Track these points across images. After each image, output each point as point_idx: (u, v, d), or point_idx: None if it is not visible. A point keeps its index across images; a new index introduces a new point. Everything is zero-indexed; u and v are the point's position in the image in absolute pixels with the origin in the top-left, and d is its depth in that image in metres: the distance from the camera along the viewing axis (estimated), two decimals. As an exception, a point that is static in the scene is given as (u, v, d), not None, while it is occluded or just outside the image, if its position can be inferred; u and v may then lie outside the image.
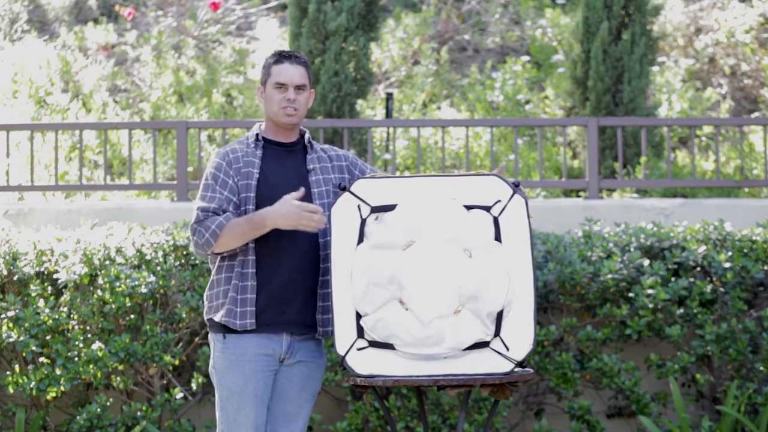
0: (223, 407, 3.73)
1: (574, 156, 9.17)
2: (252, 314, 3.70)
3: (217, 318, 3.74)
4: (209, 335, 3.83)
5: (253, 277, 3.71)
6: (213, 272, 3.82)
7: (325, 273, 3.78)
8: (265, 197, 3.72)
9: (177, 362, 5.72)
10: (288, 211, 3.63)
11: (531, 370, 3.76)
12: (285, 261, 3.74)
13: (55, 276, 5.74)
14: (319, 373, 3.87)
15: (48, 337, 5.66)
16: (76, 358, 5.60)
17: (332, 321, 3.76)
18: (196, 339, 5.89)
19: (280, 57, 3.83)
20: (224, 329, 3.73)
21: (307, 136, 3.92)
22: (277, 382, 3.78)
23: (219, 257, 3.77)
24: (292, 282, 3.74)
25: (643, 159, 7.37)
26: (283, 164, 3.83)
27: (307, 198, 3.79)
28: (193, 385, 5.77)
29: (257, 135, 3.85)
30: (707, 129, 9.40)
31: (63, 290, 5.82)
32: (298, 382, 3.80)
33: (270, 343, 3.73)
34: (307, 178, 3.83)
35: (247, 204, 3.73)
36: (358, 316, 3.67)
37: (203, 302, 3.86)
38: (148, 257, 5.78)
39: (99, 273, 5.70)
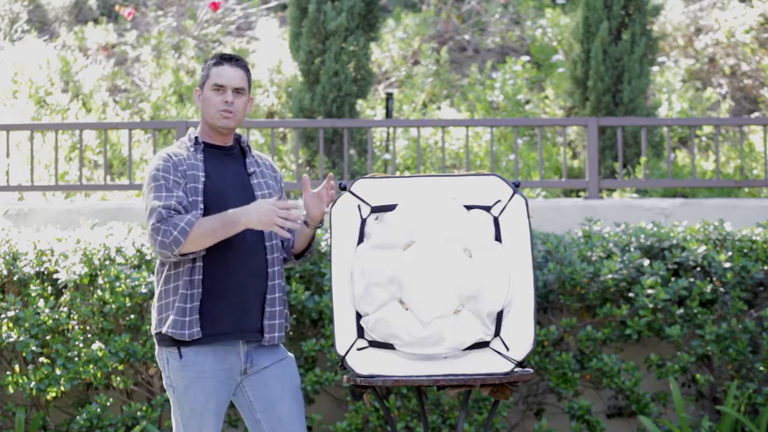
0: (186, 426, 3.62)
1: (574, 156, 9.17)
2: (197, 323, 3.57)
3: (163, 330, 3.59)
4: (159, 350, 3.66)
5: (200, 284, 3.59)
6: (160, 283, 3.65)
7: (272, 278, 3.70)
8: (212, 201, 3.61)
9: (177, 362, 5.71)
10: (261, 208, 3.53)
11: (531, 370, 3.76)
12: (235, 267, 3.63)
13: (55, 276, 5.74)
14: (292, 368, 3.76)
15: (48, 337, 5.66)
16: (76, 358, 5.61)
17: (278, 327, 3.70)
18: (196, 339, 5.88)
19: (221, 59, 3.72)
20: (176, 342, 3.59)
21: (243, 139, 3.82)
22: (256, 391, 3.69)
23: (166, 267, 3.63)
24: (244, 288, 3.64)
25: (643, 159, 7.37)
26: (225, 168, 3.72)
27: (252, 200, 3.68)
28: (193, 385, 5.77)
29: (196, 138, 3.72)
30: (707, 129, 9.40)
31: (63, 290, 5.82)
32: (276, 384, 3.70)
33: (227, 356, 3.62)
34: (249, 182, 3.74)
35: (194, 208, 3.60)
36: (358, 316, 3.67)
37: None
38: (148, 257, 5.78)
39: (99, 273, 5.70)
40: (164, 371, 3.67)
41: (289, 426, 3.70)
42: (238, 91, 3.70)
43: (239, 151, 3.80)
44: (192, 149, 3.70)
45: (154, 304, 3.68)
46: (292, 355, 3.80)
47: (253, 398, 3.69)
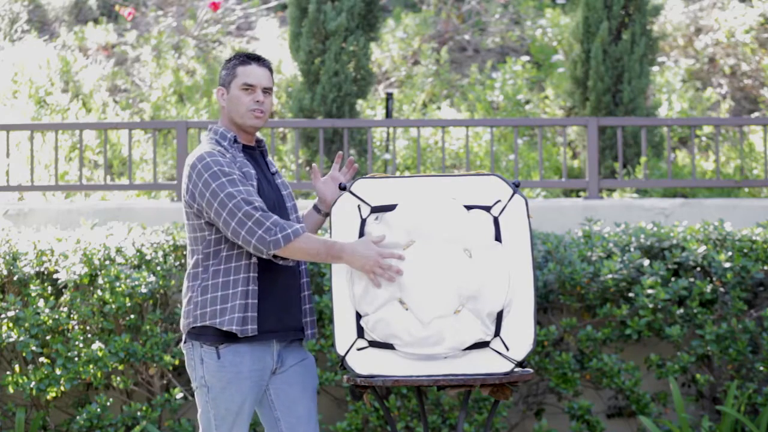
0: (218, 426, 3.62)
1: (574, 156, 9.17)
2: (254, 320, 3.57)
3: (211, 325, 3.56)
4: (191, 347, 3.63)
5: (255, 281, 3.59)
6: (207, 276, 3.61)
7: (303, 275, 3.73)
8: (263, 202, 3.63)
9: (177, 362, 5.71)
10: (367, 254, 3.53)
11: (531, 370, 3.76)
12: (279, 266, 3.64)
13: (55, 276, 5.74)
14: (312, 369, 3.79)
15: (48, 337, 5.66)
16: (76, 358, 5.61)
17: (313, 324, 3.74)
18: (196, 339, 5.88)
19: (247, 58, 3.71)
20: (219, 341, 3.57)
21: (262, 140, 3.82)
22: (279, 390, 3.70)
23: (213, 261, 3.60)
24: (287, 287, 3.67)
25: (643, 159, 7.38)
26: (260, 167, 3.74)
27: (280, 200, 3.72)
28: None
29: (235, 137, 3.69)
30: (707, 129, 9.40)
31: (63, 290, 5.82)
32: (298, 383, 3.73)
33: (263, 356, 3.63)
34: (274, 181, 3.77)
35: None
36: (358, 316, 3.67)
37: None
38: (148, 257, 5.78)
39: (99, 273, 5.70)
40: (196, 370, 3.63)
41: (306, 426, 3.71)
42: (266, 90, 3.71)
43: (259, 151, 3.82)
44: (231, 149, 3.67)
45: (195, 297, 3.61)
46: (312, 356, 3.83)
47: (275, 396, 3.71)
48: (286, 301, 3.67)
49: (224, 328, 3.56)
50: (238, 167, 3.62)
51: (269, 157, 3.84)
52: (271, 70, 3.75)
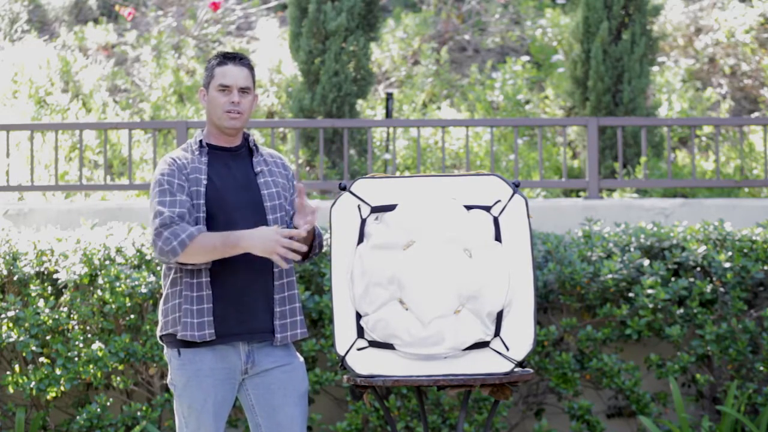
0: (187, 424, 3.63)
1: (574, 156, 9.17)
2: (210, 324, 3.56)
3: (173, 332, 3.60)
4: (165, 351, 3.69)
5: (208, 286, 3.58)
6: (167, 285, 3.66)
7: (280, 277, 3.67)
8: (214, 204, 3.61)
9: (177, 362, 5.71)
10: (265, 236, 3.49)
11: (531, 370, 3.76)
12: (239, 267, 3.60)
13: (55, 276, 5.74)
14: (299, 374, 3.71)
15: (48, 337, 5.66)
16: (76, 358, 5.61)
17: (290, 326, 3.67)
18: (196, 339, 5.88)
19: (224, 58, 3.69)
20: (180, 344, 3.60)
21: (251, 139, 3.80)
22: (259, 395, 3.66)
23: (173, 270, 3.63)
24: (248, 288, 3.62)
25: (643, 159, 7.38)
26: (229, 169, 3.70)
27: (258, 200, 3.68)
28: (193, 385, 5.76)
29: (200, 141, 3.70)
30: (707, 129, 9.40)
31: (63, 290, 5.82)
32: (278, 389, 3.66)
33: (227, 355, 3.61)
34: (255, 181, 3.71)
35: (197, 212, 3.59)
36: (358, 316, 3.67)
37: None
38: (148, 257, 5.78)
39: (99, 273, 5.70)
40: (169, 370, 3.69)
41: None
42: (243, 90, 3.68)
43: (247, 150, 3.78)
44: (197, 152, 3.68)
45: (160, 306, 3.68)
46: (302, 359, 3.75)
47: (255, 402, 3.67)
48: (249, 304, 3.62)
49: (179, 336, 3.58)
50: (188, 172, 3.63)
51: (259, 157, 3.78)
52: (250, 69, 3.72)
